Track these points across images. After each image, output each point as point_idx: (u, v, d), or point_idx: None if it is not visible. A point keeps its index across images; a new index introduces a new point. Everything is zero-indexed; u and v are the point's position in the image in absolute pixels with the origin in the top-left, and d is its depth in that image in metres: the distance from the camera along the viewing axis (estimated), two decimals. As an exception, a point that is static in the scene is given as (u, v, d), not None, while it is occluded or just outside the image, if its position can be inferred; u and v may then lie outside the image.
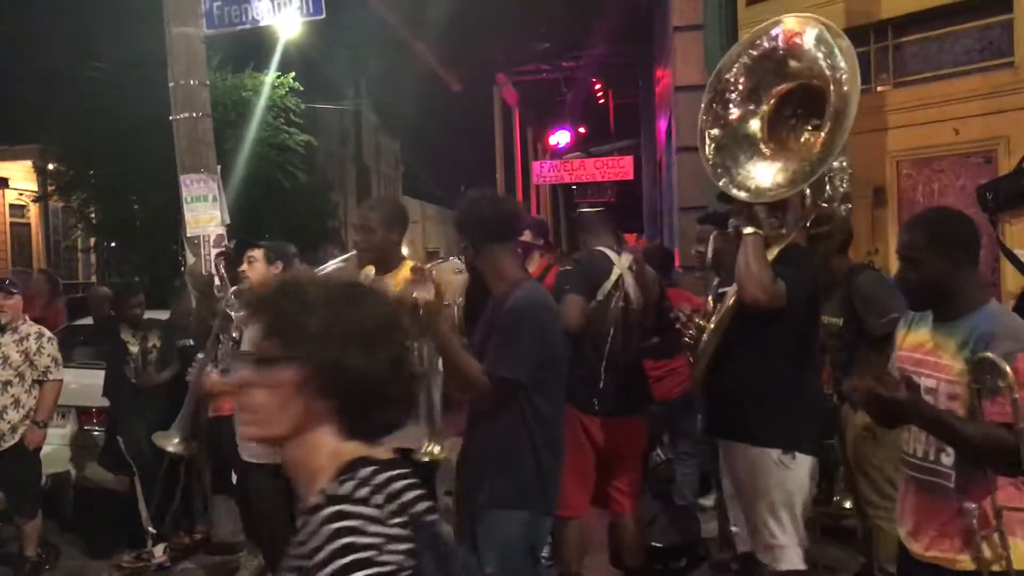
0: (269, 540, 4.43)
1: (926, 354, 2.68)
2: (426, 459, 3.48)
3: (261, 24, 6.41)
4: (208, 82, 6.44)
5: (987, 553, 2.52)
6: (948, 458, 2.59)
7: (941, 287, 2.62)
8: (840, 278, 4.23)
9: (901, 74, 6.02)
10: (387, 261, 3.91)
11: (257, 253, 4.56)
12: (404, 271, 3.78)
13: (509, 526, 3.16)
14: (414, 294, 3.10)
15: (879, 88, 6.09)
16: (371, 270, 3.99)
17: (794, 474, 3.55)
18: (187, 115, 6.11)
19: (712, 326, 3.71)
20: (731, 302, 3.62)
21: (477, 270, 3.37)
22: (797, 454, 3.54)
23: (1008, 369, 2.39)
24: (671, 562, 5.20)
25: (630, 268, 4.33)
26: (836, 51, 3.50)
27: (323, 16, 6.40)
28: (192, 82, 6.14)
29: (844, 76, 3.45)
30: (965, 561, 2.57)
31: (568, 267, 4.40)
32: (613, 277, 4.28)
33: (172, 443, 4.01)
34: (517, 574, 3.19)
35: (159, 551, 5.86)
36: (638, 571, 4.64)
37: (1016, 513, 2.53)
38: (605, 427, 4.25)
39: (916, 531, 2.71)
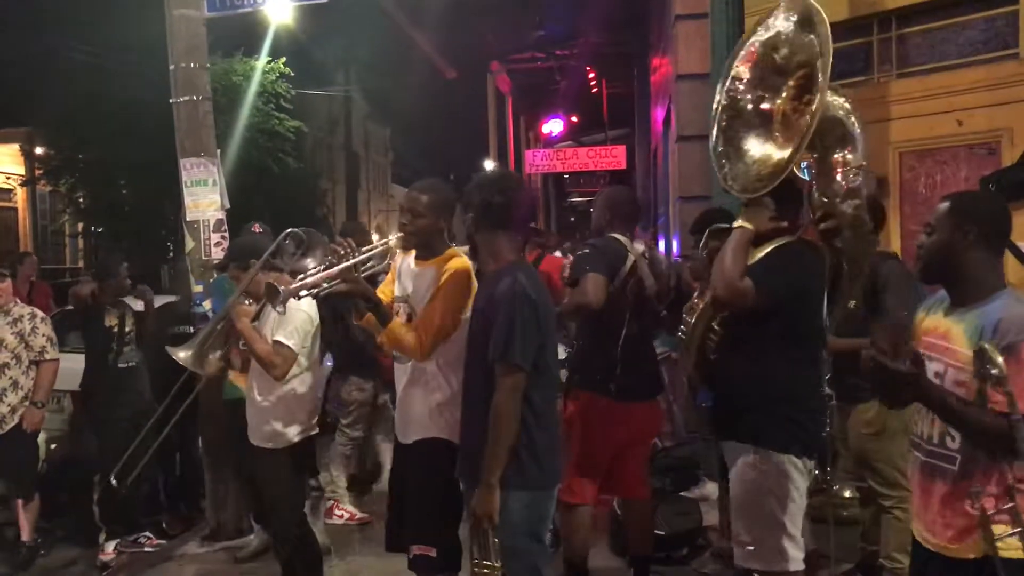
0: (279, 524, 4.40)
1: (937, 338, 2.65)
2: None
3: (263, 7, 6.34)
4: (209, 65, 6.36)
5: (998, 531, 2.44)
6: (954, 442, 2.56)
7: (947, 257, 2.62)
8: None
9: (904, 65, 6.01)
10: (430, 247, 3.76)
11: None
12: (452, 259, 3.69)
13: (509, 508, 3.13)
14: None
15: (882, 79, 6.09)
16: (411, 255, 3.85)
17: (766, 474, 3.34)
18: (188, 98, 6.03)
19: (695, 318, 3.68)
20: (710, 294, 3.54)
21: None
22: (772, 453, 3.33)
23: (1000, 360, 2.36)
24: (673, 550, 5.21)
25: (643, 255, 4.34)
26: (815, 36, 3.38)
27: (326, 0, 6.35)
28: (192, 65, 6.06)
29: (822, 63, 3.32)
30: (960, 549, 2.54)
31: (585, 250, 4.38)
32: (628, 264, 4.29)
33: (179, 355, 3.88)
34: (522, 556, 3.17)
35: (110, 547, 5.76)
36: (643, 558, 4.64)
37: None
38: (622, 413, 4.24)
39: (918, 513, 2.71)
